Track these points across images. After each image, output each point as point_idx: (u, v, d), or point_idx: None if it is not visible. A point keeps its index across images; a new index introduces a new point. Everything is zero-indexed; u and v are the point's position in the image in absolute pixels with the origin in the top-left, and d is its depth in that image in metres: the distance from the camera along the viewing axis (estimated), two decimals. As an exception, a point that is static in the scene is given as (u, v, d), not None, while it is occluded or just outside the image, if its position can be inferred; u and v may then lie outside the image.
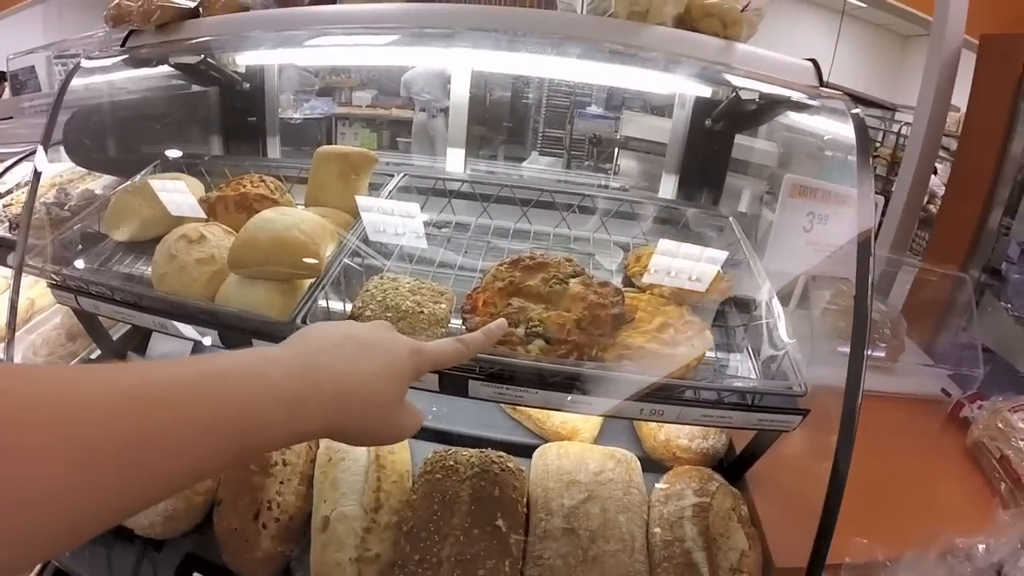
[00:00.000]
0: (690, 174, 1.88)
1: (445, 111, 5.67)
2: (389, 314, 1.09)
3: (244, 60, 2.00)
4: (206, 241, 1.29)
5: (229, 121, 2.11)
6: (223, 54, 1.90)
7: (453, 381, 1.06)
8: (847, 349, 1.01)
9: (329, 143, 6.62)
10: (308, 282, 1.25)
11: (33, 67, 3.18)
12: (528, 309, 1.10)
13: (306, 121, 5.75)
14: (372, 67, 6.21)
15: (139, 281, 1.46)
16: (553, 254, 1.26)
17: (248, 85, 2.07)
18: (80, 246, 1.65)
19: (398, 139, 6.63)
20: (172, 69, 1.97)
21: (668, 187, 1.93)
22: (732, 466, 1.49)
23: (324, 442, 1.38)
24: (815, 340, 1.27)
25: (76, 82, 1.70)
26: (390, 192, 1.56)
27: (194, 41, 1.61)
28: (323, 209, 1.44)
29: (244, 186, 1.47)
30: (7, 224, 2.06)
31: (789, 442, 1.23)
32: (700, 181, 1.85)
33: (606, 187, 2.28)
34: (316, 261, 1.20)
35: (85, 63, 1.72)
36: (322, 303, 1.21)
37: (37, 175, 1.66)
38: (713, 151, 1.86)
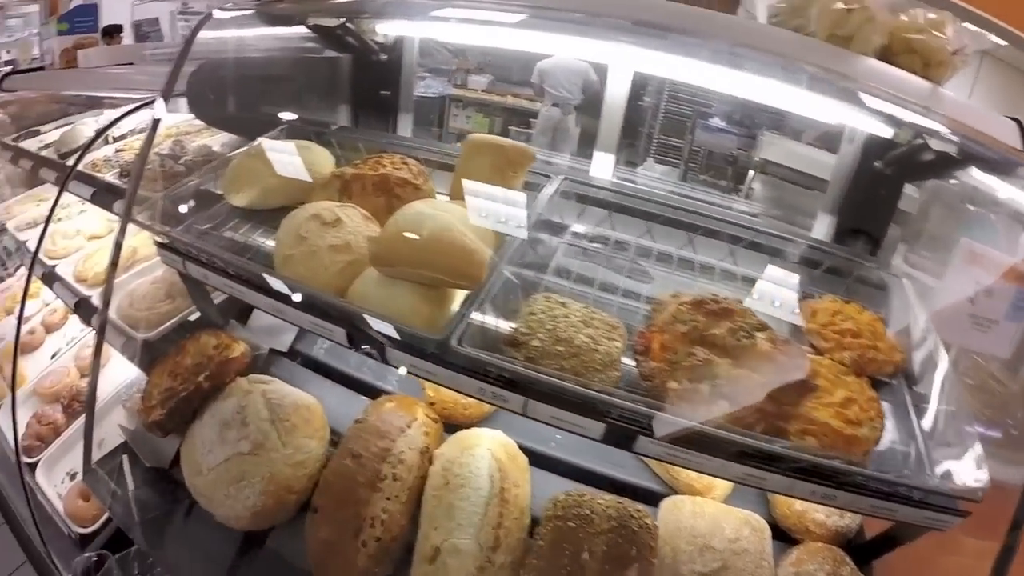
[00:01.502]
0: (851, 218, 1.63)
1: (578, 108, 5.39)
2: (560, 348, 0.92)
3: (385, 29, 1.83)
4: (342, 225, 1.12)
5: (359, 92, 1.94)
6: (365, 20, 1.74)
7: (621, 434, 0.89)
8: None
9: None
10: (459, 292, 1.07)
11: (157, 18, 3.13)
12: (714, 364, 0.91)
13: (419, 100, 5.57)
14: (492, 51, 5.90)
15: (255, 254, 1.32)
16: (734, 299, 1.06)
17: (385, 56, 1.90)
18: (192, 204, 1.53)
19: (510, 127, 6.36)
20: (305, 30, 1.83)
21: (823, 227, 1.68)
22: (861, 549, 1.31)
23: (441, 462, 1.23)
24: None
25: (204, 34, 1.57)
26: (551, 197, 1.35)
27: (337, 1, 1.46)
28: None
29: (384, 166, 1.31)
30: (118, 171, 1.95)
31: (934, 535, 1.04)
32: (861, 227, 1.60)
33: (729, 208, 2.03)
34: (480, 271, 1.01)
35: (217, 14, 1.60)
36: (474, 316, 1.02)
37: (155, 124, 1.54)
38: (879, 196, 1.61)
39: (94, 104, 2.67)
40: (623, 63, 1.65)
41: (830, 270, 1.45)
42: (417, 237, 1.00)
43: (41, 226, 2.56)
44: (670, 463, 1.00)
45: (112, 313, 1.86)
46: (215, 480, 1.26)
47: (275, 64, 1.85)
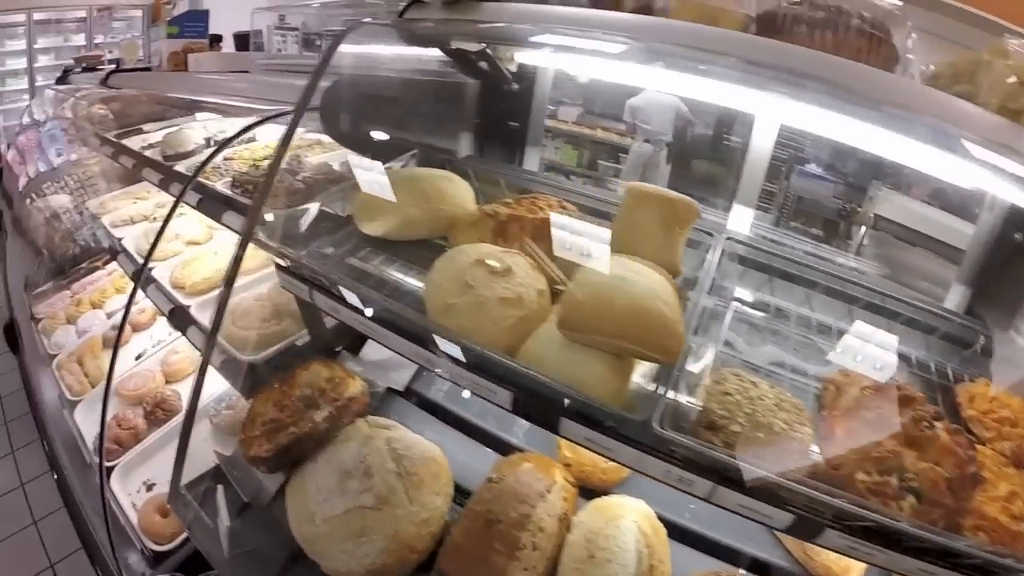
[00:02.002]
0: (987, 291, 1.47)
1: (669, 145, 5.30)
2: (760, 434, 0.82)
3: (527, 58, 1.71)
4: (511, 275, 0.99)
5: (486, 121, 1.82)
6: (506, 47, 1.63)
7: (809, 524, 0.79)
8: None
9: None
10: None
11: (261, 31, 3.15)
12: (902, 456, 0.82)
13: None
14: (585, 83, 5.83)
15: (393, 292, 1.19)
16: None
17: (517, 86, 1.79)
18: (316, 226, 1.45)
19: (599, 161, 6.29)
20: (437, 52, 1.75)
21: (955, 298, 1.53)
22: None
23: (583, 532, 1.12)
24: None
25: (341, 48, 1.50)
26: (720, 260, 1.23)
27: (484, 25, 1.35)
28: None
29: (541, 209, 1.18)
30: (229, 180, 1.90)
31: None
32: (1000, 301, 1.44)
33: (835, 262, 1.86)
34: (679, 345, 0.88)
35: (356, 27, 1.52)
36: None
37: (287, 138, 1.44)
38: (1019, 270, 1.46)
39: (200, 108, 2.66)
40: (768, 114, 1.52)
41: (982, 350, 1.28)
42: (618, 305, 0.88)
43: (138, 224, 2.57)
44: (852, 557, 0.87)
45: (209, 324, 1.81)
46: (330, 532, 1.16)
47: (404, 85, 1.76)
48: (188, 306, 1.89)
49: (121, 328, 1.76)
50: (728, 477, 0.80)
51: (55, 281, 3.18)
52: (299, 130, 2.19)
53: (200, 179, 2.00)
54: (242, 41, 3.65)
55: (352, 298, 1.14)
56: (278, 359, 1.58)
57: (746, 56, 0.99)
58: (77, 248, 3.38)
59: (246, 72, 2.36)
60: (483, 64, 1.73)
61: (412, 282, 1.20)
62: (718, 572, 1.07)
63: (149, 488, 1.90)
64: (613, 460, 0.87)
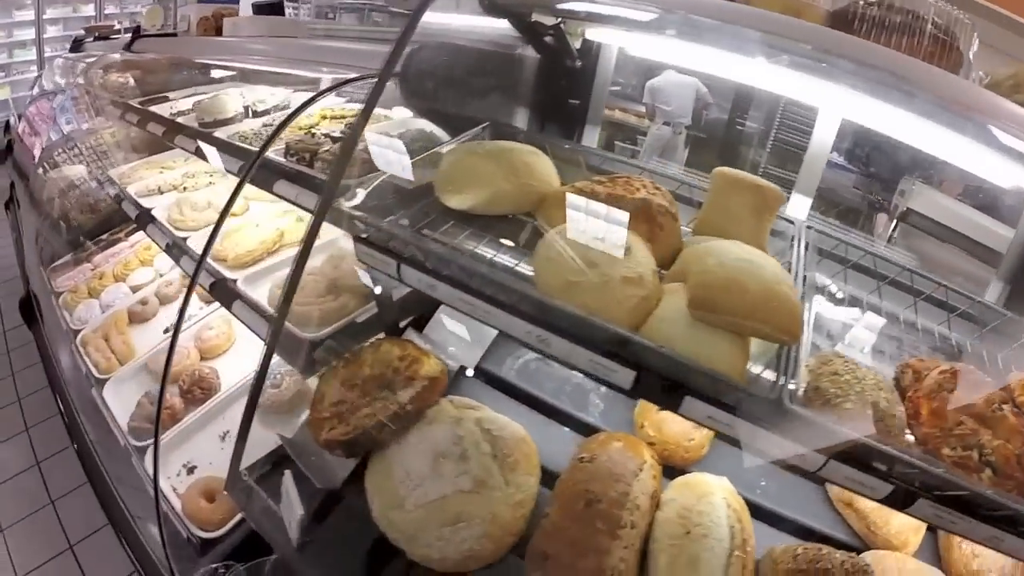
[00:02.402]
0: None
1: (688, 128, 5.17)
2: (869, 411, 0.85)
3: (603, 35, 1.62)
4: (631, 255, 0.95)
5: (548, 96, 1.73)
6: (582, 22, 1.54)
7: (904, 495, 0.83)
8: None
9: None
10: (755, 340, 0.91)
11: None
12: (980, 434, 0.85)
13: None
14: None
15: (489, 267, 1.08)
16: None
17: (580, 63, 1.70)
18: (388, 198, 1.32)
19: (615, 142, 6.17)
20: (504, 23, 1.63)
21: (994, 294, 1.50)
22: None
23: (675, 509, 1.10)
24: None
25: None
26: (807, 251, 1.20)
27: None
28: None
29: (637, 190, 1.12)
30: (283, 148, 1.77)
31: None
32: None
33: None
34: (800, 327, 0.89)
35: None
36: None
37: (369, 107, 1.33)
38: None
39: (238, 75, 2.52)
40: (831, 108, 1.46)
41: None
42: (751, 288, 0.88)
43: (167, 194, 2.43)
44: (939, 526, 0.87)
45: (257, 298, 1.69)
46: (424, 518, 1.07)
47: (472, 56, 1.65)
48: (234, 279, 1.76)
49: (179, 323, 1.61)
50: (845, 452, 0.82)
51: (74, 254, 3.04)
52: (339, 100, 2.10)
53: (241, 145, 1.88)
54: (261, 11, 3.50)
55: (454, 273, 1.04)
56: (340, 336, 1.46)
57: (824, 48, 1.00)
58: (96, 219, 3.23)
59: (292, 38, 2.19)
60: (549, 38, 1.64)
61: (504, 258, 1.12)
62: (804, 547, 1.07)
63: (190, 471, 1.78)
64: (730, 437, 0.87)
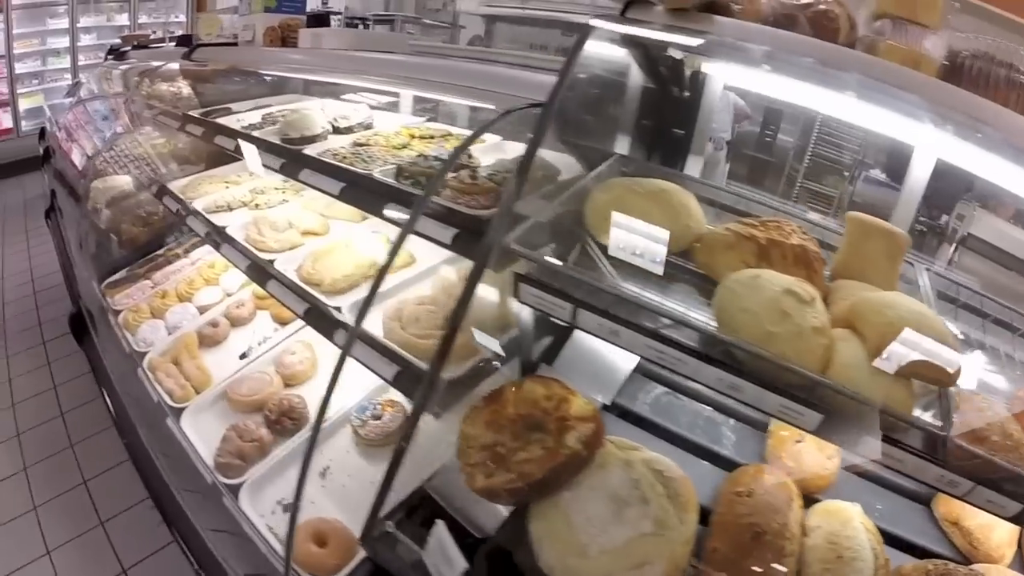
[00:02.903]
0: None
1: (730, 144, 5.08)
2: (1009, 443, 0.90)
3: (728, 72, 1.58)
4: (814, 304, 1.00)
5: (654, 125, 1.69)
6: (710, 58, 1.48)
7: None
8: None
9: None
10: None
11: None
12: None
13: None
14: None
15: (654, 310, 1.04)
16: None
17: (687, 94, 1.65)
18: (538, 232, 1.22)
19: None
20: (621, 52, 1.54)
21: None
22: None
23: (823, 535, 1.15)
24: None
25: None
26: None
27: (706, 37, 1.19)
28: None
29: (790, 235, 1.16)
30: (391, 169, 1.66)
31: None
32: None
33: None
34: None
35: (596, 22, 1.30)
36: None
37: (538, 138, 1.24)
38: None
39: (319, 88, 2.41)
40: (931, 148, 1.41)
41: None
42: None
43: (236, 211, 2.33)
44: None
45: (372, 330, 1.57)
46: (609, 564, 1.04)
47: (595, 83, 1.55)
48: (337, 307, 1.64)
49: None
50: (988, 478, 0.86)
51: (130, 269, 2.93)
52: (417, 119, 2.01)
53: (332, 162, 1.76)
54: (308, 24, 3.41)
55: (642, 321, 1.01)
56: (470, 374, 1.35)
57: (933, 99, 1.05)
58: (149, 232, 3.13)
59: (391, 53, 2.06)
60: (664, 69, 1.59)
61: (668, 303, 1.11)
62: (933, 563, 1.13)
63: (285, 509, 1.66)
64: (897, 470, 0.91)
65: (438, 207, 1.42)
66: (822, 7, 1.18)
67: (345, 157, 1.78)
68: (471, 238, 1.33)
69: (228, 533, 1.70)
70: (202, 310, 2.44)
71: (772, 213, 1.42)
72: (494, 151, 1.92)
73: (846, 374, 0.94)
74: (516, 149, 1.98)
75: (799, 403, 0.91)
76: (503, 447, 1.16)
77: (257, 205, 2.34)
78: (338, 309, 1.64)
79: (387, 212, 1.56)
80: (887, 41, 1.14)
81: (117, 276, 2.90)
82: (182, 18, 7.32)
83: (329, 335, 1.63)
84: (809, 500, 1.27)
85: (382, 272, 1.31)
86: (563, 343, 1.64)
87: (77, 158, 4.23)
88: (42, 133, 6.01)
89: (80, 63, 6.90)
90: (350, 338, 1.52)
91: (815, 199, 5.11)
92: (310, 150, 1.89)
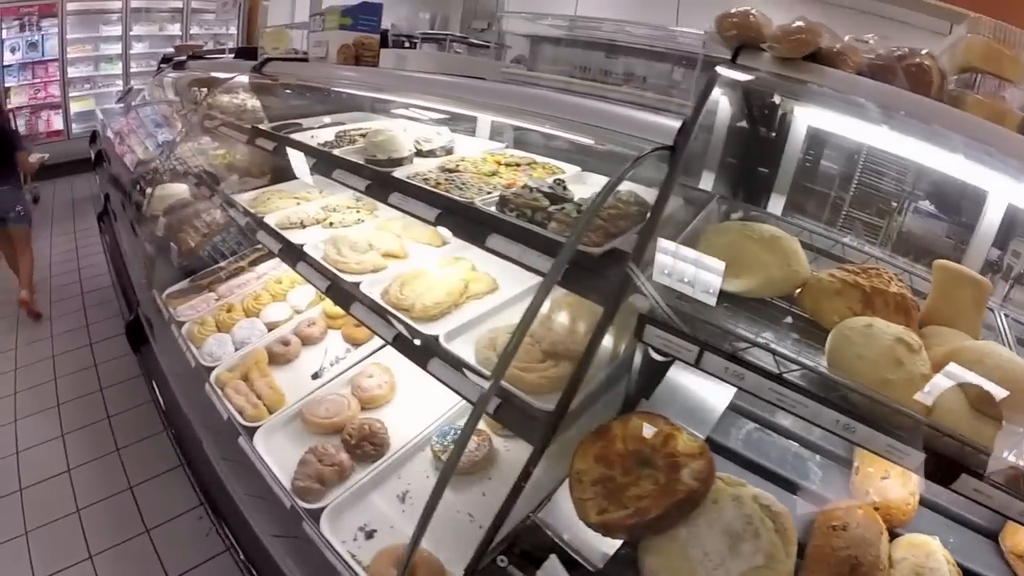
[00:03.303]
0: None
1: None
2: None
3: (817, 118, 1.62)
4: (922, 352, 1.07)
5: (741, 163, 1.73)
6: (807, 105, 1.53)
7: None
8: None
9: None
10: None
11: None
12: None
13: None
14: None
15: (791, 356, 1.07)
16: None
17: (774, 134, 1.69)
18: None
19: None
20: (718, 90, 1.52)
21: None
22: None
23: (910, 566, 1.19)
24: None
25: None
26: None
27: (812, 87, 1.24)
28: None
29: (889, 282, 1.23)
30: (494, 199, 1.63)
31: None
32: None
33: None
34: None
35: (723, 71, 1.32)
36: None
37: (668, 185, 1.27)
38: None
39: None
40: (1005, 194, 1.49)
41: None
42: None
43: (309, 228, 2.31)
44: None
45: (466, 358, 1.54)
46: None
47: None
48: (435, 336, 1.60)
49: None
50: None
51: (192, 280, 2.93)
52: (498, 144, 2.00)
53: (428, 187, 1.74)
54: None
55: (767, 365, 1.06)
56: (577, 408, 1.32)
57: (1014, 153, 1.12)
58: (211, 243, 3.13)
59: (482, 79, 2.04)
60: (757, 110, 1.64)
61: (777, 346, 1.10)
62: None
63: (369, 536, 1.63)
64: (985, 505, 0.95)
65: (547, 240, 1.40)
66: (917, 60, 1.20)
67: (439, 183, 1.76)
68: (580, 274, 1.32)
69: (302, 555, 1.66)
70: (270, 326, 2.43)
71: (862, 259, 1.50)
72: (575, 181, 1.90)
73: (948, 417, 1.00)
74: (597, 182, 1.97)
75: (905, 443, 0.97)
76: (614, 482, 1.20)
77: (331, 223, 2.33)
78: (436, 338, 1.60)
79: (489, 242, 1.53)
80: (974, 95, 1.19)
81: (179, 286, 2.90)
82: (232, 30, 7.47)
83: (422, 363, 1.60)
84: (891, 533, 1.32)
85: (523, 329, 1.27)
86: (661, 378, 1.63)
87: (132, 164, 4.27)
88: (93, 137, 6.10)
89: (131, 70, 7.03)
90: (440, 367, 1.51)
91: (864, 228, 5.03)
92: (399, 173, 1.87)
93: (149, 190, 3.74)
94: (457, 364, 1.52)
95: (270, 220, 2.37)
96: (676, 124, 1.38)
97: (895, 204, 4.86)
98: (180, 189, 3.61)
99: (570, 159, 2.16)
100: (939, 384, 1.03)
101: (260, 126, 2.73)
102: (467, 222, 1.61)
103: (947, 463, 0.99)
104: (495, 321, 1.74)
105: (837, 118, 1.56)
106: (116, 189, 4.33)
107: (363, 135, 2.29)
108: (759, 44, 1.27)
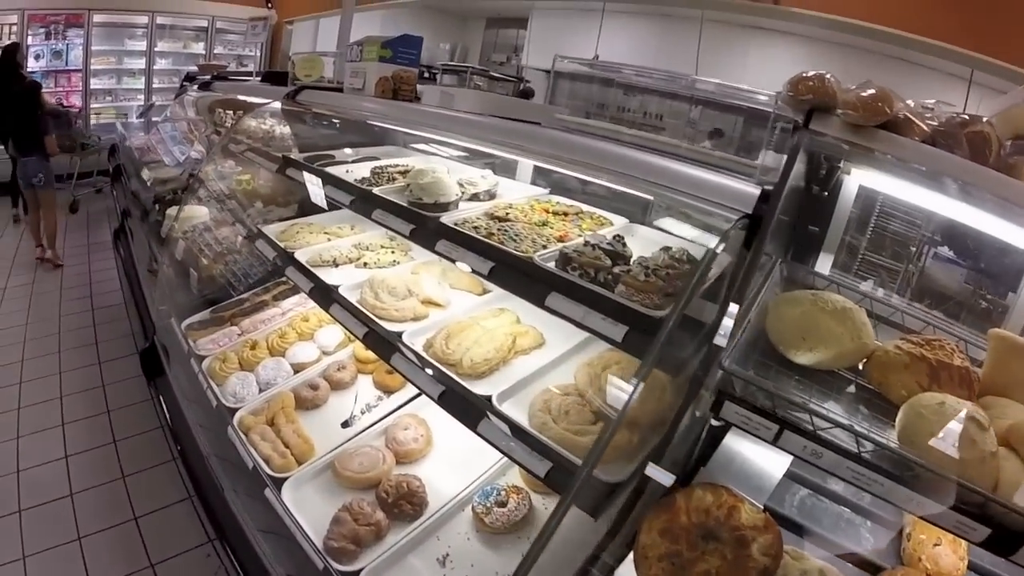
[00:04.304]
0: None
1: None
2: None
3: (875, 180, 1.56)
4: (991, 430, 1.03)
5: (789, 221, 1.65)
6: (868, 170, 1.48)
7: None
8: None
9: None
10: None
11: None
12: None
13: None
14: None
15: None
16: None
17: (825, 193, 1.63)
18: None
19: None
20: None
21: None
22: None
23: None
24: None
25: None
26: None
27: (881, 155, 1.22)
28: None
29: (951, 353, 1.20)
30: (553, 256, 1.54)
31: None
32: None
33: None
34: None
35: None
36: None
37: (755, 255, 1.23)
38: None
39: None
40: None
41: None
42: None
43: (342, 267, 2.21)
44: None
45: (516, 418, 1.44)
46: None
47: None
48: (488, 396, 1.50)
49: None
50: None
51: (213, 311, 2.81)
52: (541, 190, 1.91)
53: (482, 239, 1.64)
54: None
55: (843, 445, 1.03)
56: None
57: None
58: (232, 273, 3.02)
59: (537, 124, 1.95)
60: (816, 170, 1.58)
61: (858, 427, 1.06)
62: None
63: (408, 605, 1.51)
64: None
65: (613, 303, 1.34)
66: (979, 128, 1.19)
67: (492, 233, 1.67)
68: (643, 337, 1.27)
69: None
70: (296, 368, 2.31)
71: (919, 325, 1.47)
72: (626, 233, 1.82)
73: (1011, 492, 1.00)
74: (647, 235, 1.88)
75: (974, 519, 0.96)
76: (681, 557, 1.14)
77: (365, 264, 2.23)
78: (488, 399, 1.49)
79: (549, 301, 1.44)
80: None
81: (199, 317, 2.79)
82: (254, 52, 7.44)
83: (472, 424, 1.50)
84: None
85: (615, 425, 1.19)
86: (716, 445, 1.54)
87: (152, 181, 4.18)
88: (112, 150, 6.02)
89: (154, 85, 7.00)
90: (490, 428, 1.41)
91: (878, 273, 4.96)
92: (446, 219, 1.78)
93: (170, 211, 3.65)
94: (515, 430, 1.42)
95: (301, 256, 2.27)
96: (749, 189, 1.35)
97: (960, 281, 4.80)
98: (202, 212, 3.52)
99: (611, 207, 2.08)
100: (1006, 460, 1.02)
101: (291, 155, 2.65)
102: (524, 277, 1.52)
103: (1009, 535, 1.00)
104: (545, 380, 1.63)
105: (894, 182, 1.51)
106: (135, 206, 4.23)
107: (402, 172, 2.21)
108: (832, 109, 1.25)
